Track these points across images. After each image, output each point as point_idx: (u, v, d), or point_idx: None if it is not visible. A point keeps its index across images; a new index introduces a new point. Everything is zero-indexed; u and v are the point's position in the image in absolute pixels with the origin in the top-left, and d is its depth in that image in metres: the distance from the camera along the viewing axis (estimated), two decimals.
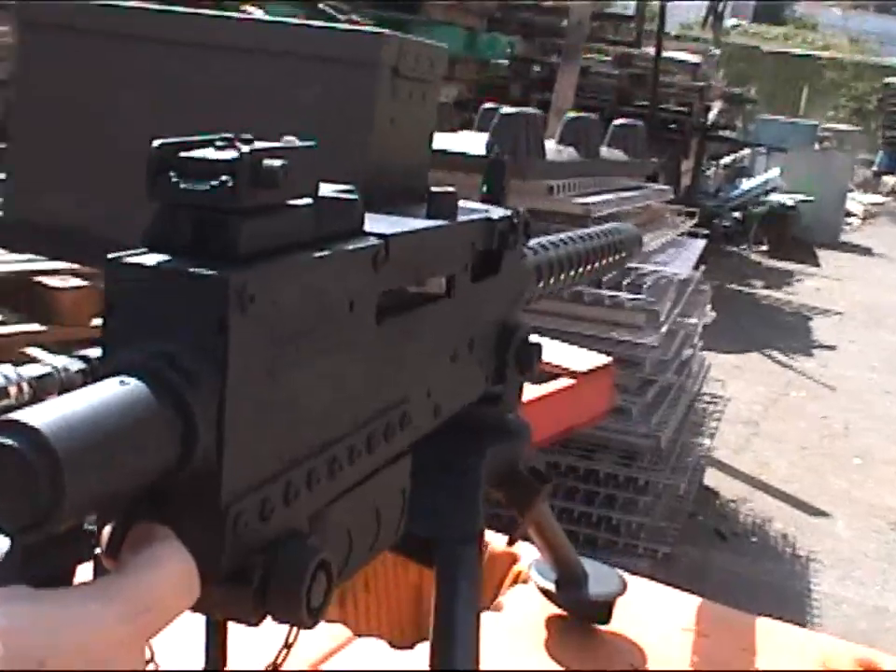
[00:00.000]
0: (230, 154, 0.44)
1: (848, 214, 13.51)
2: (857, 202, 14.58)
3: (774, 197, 11.23)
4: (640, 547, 3.31)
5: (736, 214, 10.98)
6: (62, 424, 0.36)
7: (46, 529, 0.36)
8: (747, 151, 12.92)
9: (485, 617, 1.09)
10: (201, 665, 0.52)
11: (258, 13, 4.79)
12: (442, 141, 3.32)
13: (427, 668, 0.69)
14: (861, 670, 1.07)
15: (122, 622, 0.38)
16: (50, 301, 1.87)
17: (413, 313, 0.61)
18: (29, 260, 1.90)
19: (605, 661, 1.04)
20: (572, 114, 4.00)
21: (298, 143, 0.47)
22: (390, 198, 0.69)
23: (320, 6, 3.98)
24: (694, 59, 9.29)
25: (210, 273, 0.42)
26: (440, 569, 0.70)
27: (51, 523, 0.36)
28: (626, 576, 1.09)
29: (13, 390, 0.44)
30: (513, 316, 0.78)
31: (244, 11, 4.41)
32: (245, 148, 0.44)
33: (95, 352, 0.46)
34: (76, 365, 0.45)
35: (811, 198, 11.38)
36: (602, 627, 1.07)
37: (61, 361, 0.45)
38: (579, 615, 1.07)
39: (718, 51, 11.26)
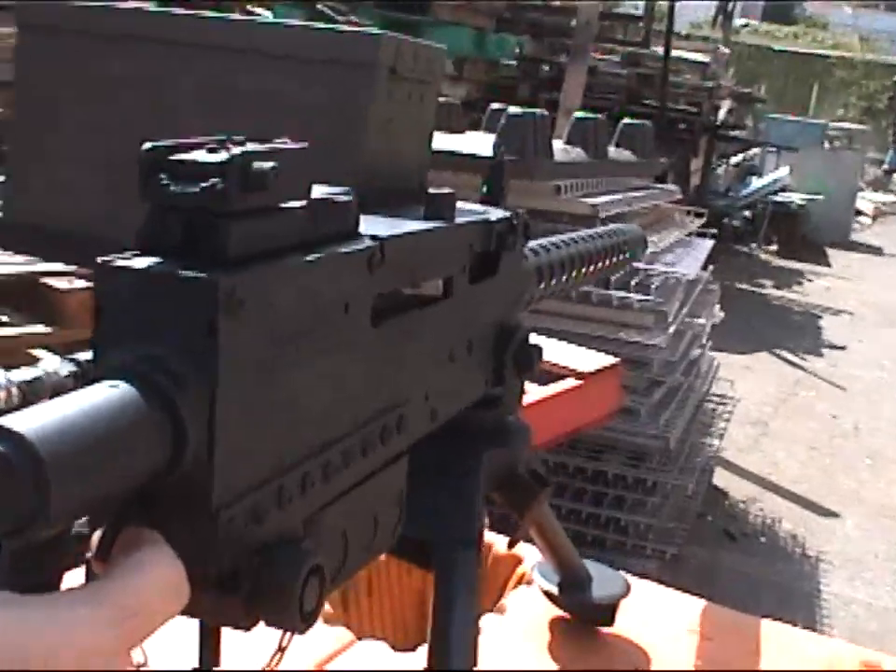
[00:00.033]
0: (220, 156, 0.43)
1: (859, 213, 13.48)
2: (867, 200, 14.56)
3: (783, 196, 11.21)
4: (649, 548, 3.31)
5: (746, 213, 10.97)
6: (47, 429, 0.36)
7: (31, 534, 0.36)
8: (756, 150, 12.90)
9: (489, 619, 1.09)
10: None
11: (266, 14, 4.80)
12: (450, 142, 3.32)
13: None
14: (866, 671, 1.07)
15: (109, 626, 0.37)
16: (55, 303, 1.87)
17: (409, 315, 0.60)
18: (34, 262, 1.90)
19: (608, 663, 1.03)
20: (580, 114, 3.99)
21: (290, 145, 0.47)
22: (388, 199, 0.68)
23: (318, 6, 3.97)
24: (703, 58, 9.29)
25: (199, 276, 0.42)
26: (438, 572, 0.70)
27: (37, 528, 0.35)
28: (630, 578, 1.09)
29: (2, 394, 0.43)
30: (513, 318, 0.77)
31: (251, 13, 4.41)
32: (236, 151, 0.43)
33: (86, 355, 0.46)
34: (66, 368, 0.45)
35: (821, 197, 11.36)
36: (606, 630, 1.07)
37: (51, 365, 0.45)
38: (582, 618, 1.07)
39: (727, 50, 11.25)
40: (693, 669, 1.04)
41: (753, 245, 10.69)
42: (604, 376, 2.14)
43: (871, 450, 5.07)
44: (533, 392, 1.90)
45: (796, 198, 11.30)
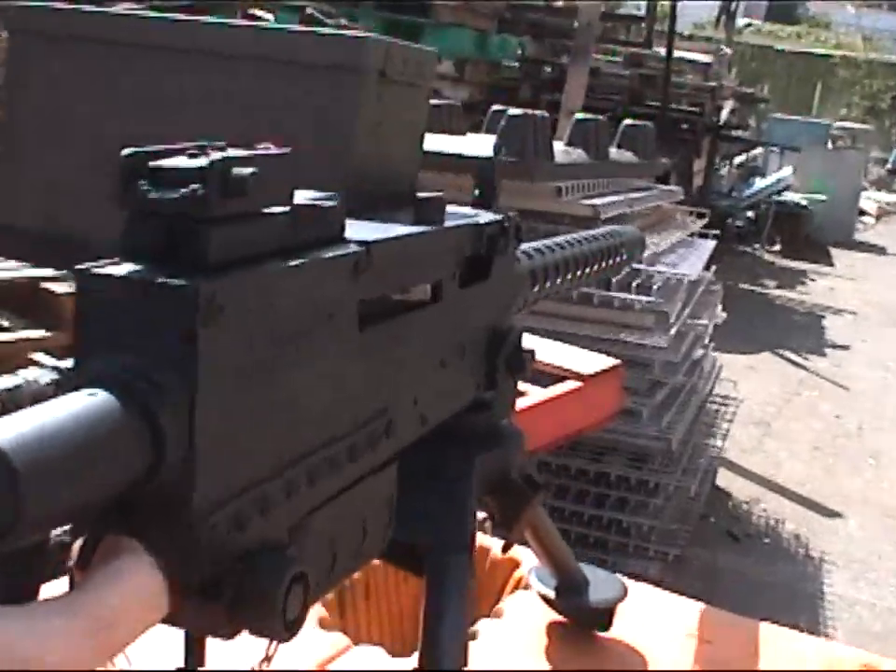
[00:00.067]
0: (200, 162, 0.43)
1: (862, 212, 13.47)
2: (871, 200, 14.54)
3: (787, 196, 11.20)
4: (651, 550, 3.31)
5: (749, 213, 10.96)
6: (22, 438, 0.36)
7: (7, 544, 0.35)
8: (760, 150, 12.89)
9: (486, 624, 1.09)
10: None
11: (268, 17, 4.79)
12: (450, 144, 3.32)
13: None
14: None
15: (85, 637, 0.37)
16: (56, 307, 1.87)
17: (397, 320, 0.60)
18: (35, 266, 1.89)
19: (606, 667, 1.03)
20: (581, 115, 3.99)
21: (272, 150, 0.47)
22: (377, 204, 0.68)
23: (308, 10, 3.97)
24: (706, 59, 9.28)
25: (178, 282, 0.41)
26: (429, 577, 0.69)
27: (12, 537, 0.35)
28: (628, 581, 1.08)
29: None
30: (505, 322, 0.77)
31: (255, 17, 4.40)
32: (216, 156, 0.43)
33: (68, 363, 0.45)
34: (47, 377, 0.45)
35: (824, 197, 11.34)
36: (604, 634, 1.06)
37: (32, 373, 0.44)
38: (579, 622, 1.06)
39: (729, 51, 11.24)
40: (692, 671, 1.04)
41: (756, 246, 10.69)
42: (605, 378, 2.13)
43: (874, 450, 5.06)
44: (533, 394, 1.89)
45: (799, 198, 11.28)
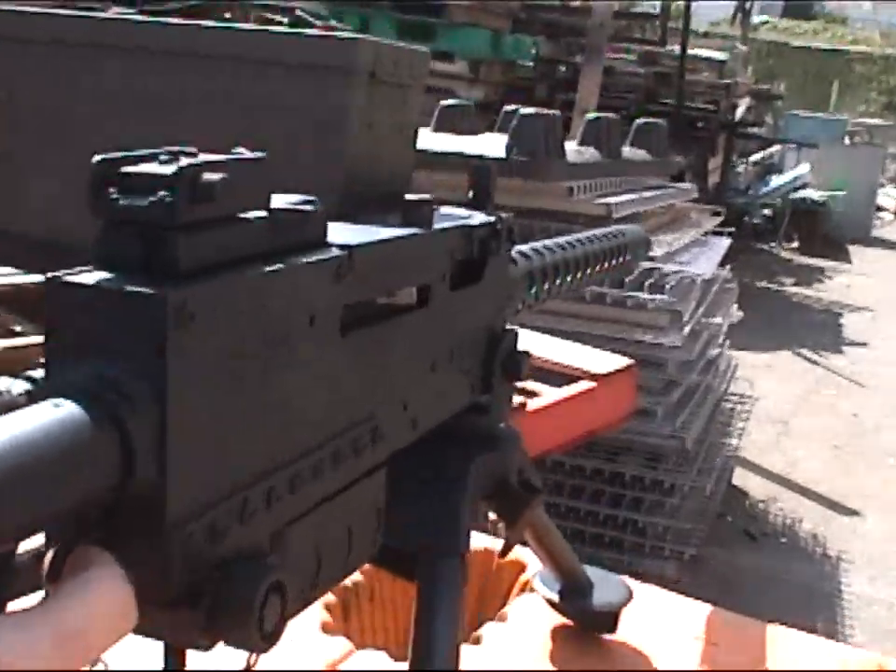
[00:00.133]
0: (168, 169, 0.42)
1: (880, 209, 13.41)
2: (888, 196, 14.47)
3: (804, 193, 11.16)
4: (667, 549, 3.30)
5: (766, 211, 10.93)
6: None
7: None
8: (777, 148, 12.84)
9: (491, 627, 1.08)
10: None
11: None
12: (462, 144, 3.32)
13: None
14: None
15: (52, 647, 0.37)
16: None
17: (383, 324, 0.59)
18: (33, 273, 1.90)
19: (612, 670, 1.02)
20: (593, 114, 3.98)
21: (246, 154, 0.46)
22: (367, 206, 0.67)
23: (297, 12, 3.96)
24: (721, 56, 9.26)
25: (147, 290, 0.41)
26: (421, 583, 0.69)
27: None
28: (633, 584, 1.07)
29: None
30: (500, 324, 0.76)
31: (270, 21, 4.39)
32: (184, 163, 0.43)
33: (41, 373, 0.45)
34: (19, 387, 0.44)
35: (842, 193, 11.30)
36: (610, 636, 1.05)
37: (3, 383, 0.44)
38: (584, 625, 1.05)
39: (744, 48, 11.21)
40: None
41: (773, 243, 10.65)
42: (618, 378, 2.12)
43: (893, 448, 5.03)
44: (546, 395, 1.88)
45: (817, 195, 11.24)
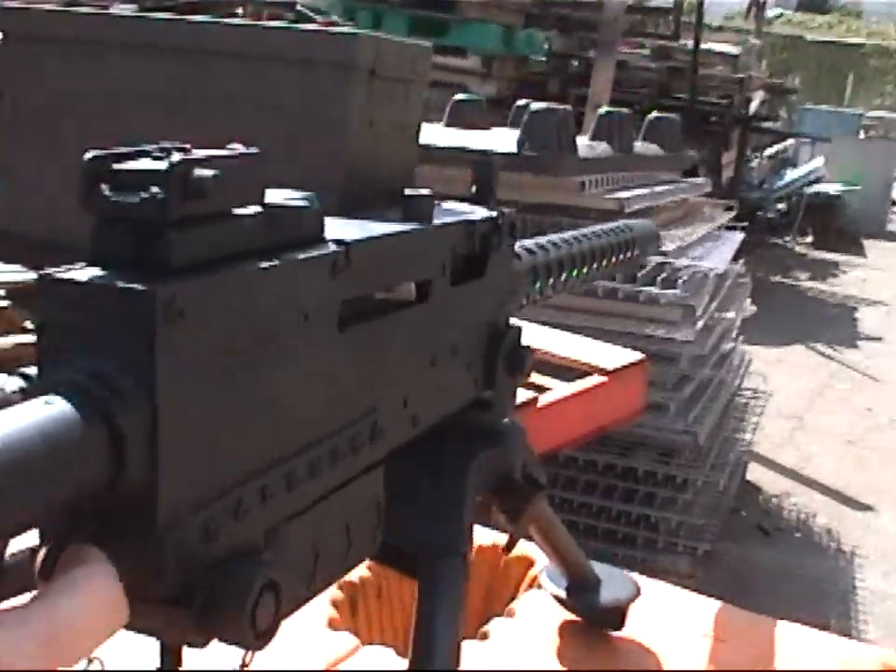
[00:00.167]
0: (160, 165, 0.42)
1: (895, 203, 13.35)
2: None
3: (818, 187, 11.12)
4: (680, 545, 3.29)
5: (781, 205, 10.89)
6: None
7: None
8: (791, 142, 12.80)
9: (498, 623, 1.08)
10: None
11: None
12: (474, 139, 3.31)
13: None
14: None
15: (38, 646, 0.37)
16: None
17: (381, 319, 0.59)
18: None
19: (619, 667, 1.02)
20: (605, 109, 3.97)
21: (239, 150, 0.46)
22: (369, 201, 0.67)
23: (298, 7, 3.95)
24: (734, 50, 9.22)
25: (137, 287, 0.41)
26: (421, 581, 0.69)
27: None
28: (642, 580, 1.07)
29: None
30: (503, 319, 0.76)
31: (281, 18, 4.39)
32: (176, 158, 0.42)
33: (35, 370, 0.45)
34: (13, 384, 0.44)
35: (857, 187, 11.25)
36: (617, 633, 1.05)
37: None
38: (591, 621, 1.05)
39: (758, 42, 11.17)
40: (706, 671, 1.02)
41: (788, 237, 10.62)
42: (629, 373, 2.11)
43: None
44: (557, 390, 1.88)
45: (831, 189, 11.20)
